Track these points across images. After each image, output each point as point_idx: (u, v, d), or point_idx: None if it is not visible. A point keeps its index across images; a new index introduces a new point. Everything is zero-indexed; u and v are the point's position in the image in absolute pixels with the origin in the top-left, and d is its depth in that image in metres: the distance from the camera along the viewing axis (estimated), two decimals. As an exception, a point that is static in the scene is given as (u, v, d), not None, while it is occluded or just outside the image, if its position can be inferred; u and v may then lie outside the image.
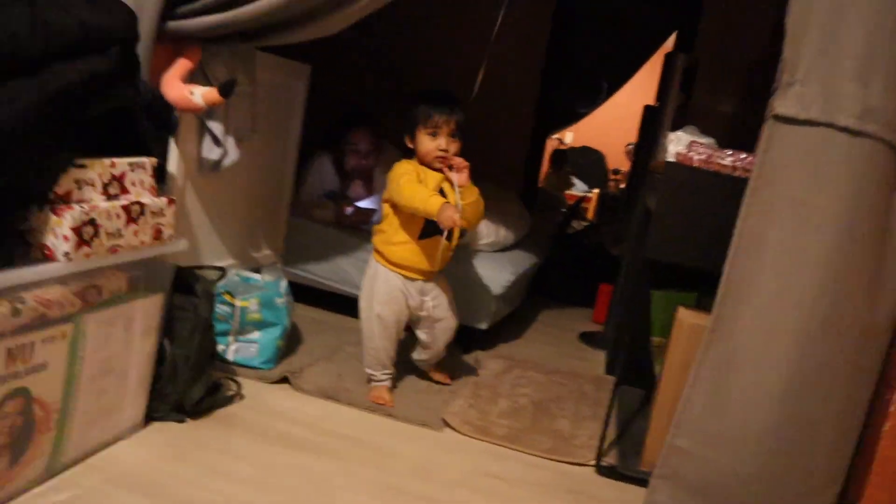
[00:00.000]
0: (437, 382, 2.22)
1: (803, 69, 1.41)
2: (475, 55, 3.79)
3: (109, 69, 1.38)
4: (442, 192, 1.94)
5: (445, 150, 1.95)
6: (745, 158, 1.65)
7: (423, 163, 2.00)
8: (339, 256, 2.67)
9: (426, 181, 1.97)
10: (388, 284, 2.02)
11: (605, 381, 2.56)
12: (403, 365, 2.21)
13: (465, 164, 1.95)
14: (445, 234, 1.91)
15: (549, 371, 2.57)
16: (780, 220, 1.45)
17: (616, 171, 7.66)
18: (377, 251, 2.05)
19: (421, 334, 2.14)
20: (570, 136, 7.74)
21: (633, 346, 2.07)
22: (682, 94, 3.14)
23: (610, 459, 1.86)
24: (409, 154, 2.04)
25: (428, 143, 1.96)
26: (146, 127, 1.61)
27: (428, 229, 1.97)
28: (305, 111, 2.63)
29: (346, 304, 2.76)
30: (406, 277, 2.02)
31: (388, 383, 2.08)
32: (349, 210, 2.77)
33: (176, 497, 1.43)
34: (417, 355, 2.21)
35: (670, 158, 1.73)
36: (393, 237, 2.01)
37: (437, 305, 2.08)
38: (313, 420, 1.88)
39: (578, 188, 7.12)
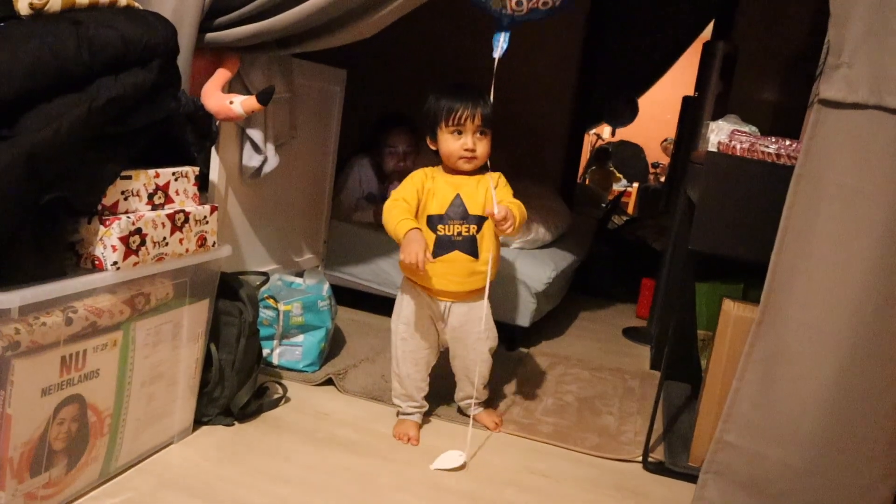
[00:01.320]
0: (486, 428, 1.93)
1: (849, 51, 1.37)
2: (513, 54, 3.79)
3: (152, 81, 1.41)
4: (459, 199, 1.75)
5: (472, 150, 1.73)
6: (790, 145, 1.60)
7: (447, 166, 1.78)
8: (380, 258, 2.69)
9: (435, 191, 1.75)
10: (414, 303, 1.82)
11: (651, 376, 2.53)
12: (446, 366, 2.20)
13: (509, 221, 1.67)
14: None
15: (593, 367, 2.55)
16: (828, 207, 1.41)
17: (656, 165, 7.56)
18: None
19: (453, 365, 1.92)
20: (607, 131, 7.66)
21: (679, 341, 2.03)
22: (722, 82, 3.09)
23: (657, 455, 1.84)
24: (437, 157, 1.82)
25: (451, 144, 1.73)
26: (188, 137, 1.64)
27: (443, 246, 1.75)
28: (343, 115, 2.66)
29: (388, 306, 2.76)
30: (433, 297, 1.81)
31: (416, 418, 1.87)
32: (388, 212, 2.78)
33: (226, 498, 1.45)
34: (457, 395, 1.98)
35: (712, 148, 1.69)
36: None
37: (468, 332, 1.83)
38: (358, 420, 1.89)
39: (621, 183, 7.06)
